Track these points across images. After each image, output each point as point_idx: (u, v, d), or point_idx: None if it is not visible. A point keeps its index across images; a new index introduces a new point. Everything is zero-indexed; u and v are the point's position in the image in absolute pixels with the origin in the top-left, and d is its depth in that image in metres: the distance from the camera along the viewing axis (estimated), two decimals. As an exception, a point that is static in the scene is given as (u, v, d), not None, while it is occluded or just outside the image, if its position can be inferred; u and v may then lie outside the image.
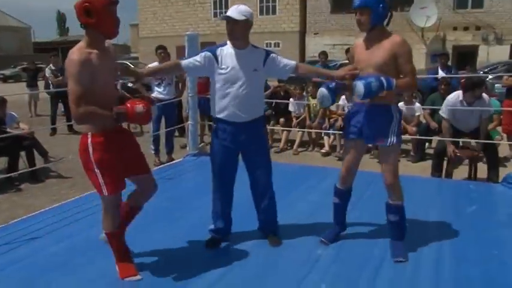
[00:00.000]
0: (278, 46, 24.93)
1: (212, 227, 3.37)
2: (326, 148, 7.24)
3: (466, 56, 19.53)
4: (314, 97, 7.65)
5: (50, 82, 9.90)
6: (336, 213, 3.37)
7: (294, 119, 7.92)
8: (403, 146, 7.14)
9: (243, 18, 2.99)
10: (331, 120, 7.43)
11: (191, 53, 5.41)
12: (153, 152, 6.66)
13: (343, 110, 7.25)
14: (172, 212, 4.05)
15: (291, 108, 7.93)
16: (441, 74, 8.15)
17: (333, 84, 3.07)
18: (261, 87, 3.25)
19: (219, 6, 26.59)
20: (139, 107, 2.49)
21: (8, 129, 6.13)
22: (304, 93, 8.10)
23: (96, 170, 2.60)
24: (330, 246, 3.28)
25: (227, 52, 3.06)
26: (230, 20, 3.00)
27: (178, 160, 5.95)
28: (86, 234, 3.56)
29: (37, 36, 44.31)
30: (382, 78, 2.77)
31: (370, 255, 3.12)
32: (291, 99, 7.89)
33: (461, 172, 5.71)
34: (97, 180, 2.62)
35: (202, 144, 6.79)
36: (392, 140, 2.97)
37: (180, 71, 3.44)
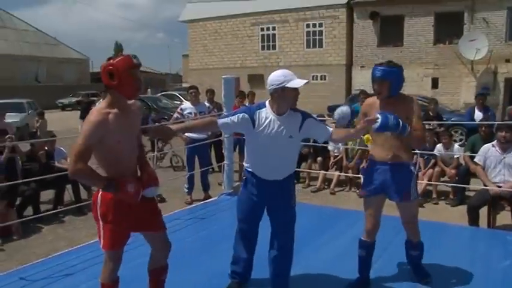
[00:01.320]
0: (324, 79, 25.01)
1: (231, 270, 3.46)
2: (363, 188, 7.19)
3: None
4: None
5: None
6: (361, 266, 3.43)
7: (331, 158, 7.94)
8: (443, 188, 7.00)
9: (270, 89, 3.00)
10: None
11: (227, 95, 5.63)
12: (186, 190, 6.84)
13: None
14: (197, 254, 4.16)
15: (329, 147, 7.96)
16: (478, 114, 7.97)
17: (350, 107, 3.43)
18: (295, 151, 3.23)
19: (266, 39, 27.13)
20: (131, 185, 2.57)
21: (57, 164, 6.53)
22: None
23: (100, 222, 2.70)
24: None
25: (265, 116, 3.03)
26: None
27: (214, 199, 6.09)
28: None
29: (94, 66, 46.54)
30: (400, 119, 2.93)
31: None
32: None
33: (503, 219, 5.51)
34: (99, 232, 2.72)
35: (238, 183, 6.89)
36: (415, 195, 3.27)
37: (215, 129, 3.62)
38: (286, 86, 2.92)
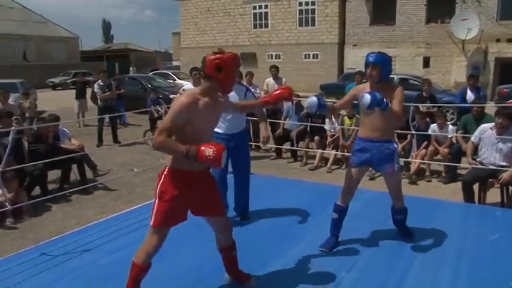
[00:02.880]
0: (317, 57, 25.11)
1: None
2: (358, 167, 7.44)
3: (510, 69, 19.12)
4: (349, 117, 7.89)
5: (98, 97, 10.55)
6: (334, 227, 3.96)
7: (328, 137, 8.16)
8: (436, 167, 7.27)
9: None
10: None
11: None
12: None
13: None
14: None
15: (326, 126, 8.18)
16: (470, 95, 8.19)
17: (323, 102, 3.83)
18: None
19: (258, 18, 27.05)
20: (209, 150, 2.60)
21: (62, 145, 6.67)
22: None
23: (156, 199, 2.85)
24: (352, 269, 3.53)
25: None
26: None
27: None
28: (134, 248, 3.95)
29: (84, 44, 46.00)
30: (384, 98, 3.41)
31: (388, 276, 3.35)
32: (326, 120, 8.13)
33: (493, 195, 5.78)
34: (153, 208, 2.86)
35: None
36: (398, 167, 3.77)
37: None
38: None
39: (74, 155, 6.54)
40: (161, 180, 2.83)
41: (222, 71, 2.78)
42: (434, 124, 7.22)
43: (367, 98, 3.34)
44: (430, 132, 7.11)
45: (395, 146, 3.76)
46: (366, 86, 3.78)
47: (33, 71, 31.84)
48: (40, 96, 19.29)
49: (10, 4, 38.02)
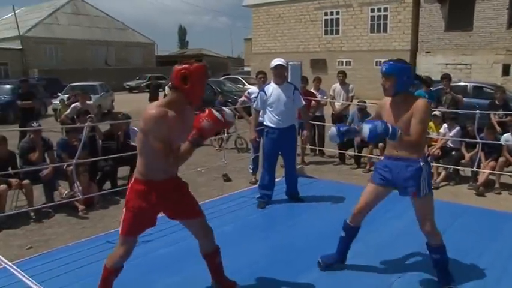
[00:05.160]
0: (387, 64, 24.56)
1: (260, 194, 5.41)
2: (423, 175, 7.21)
3: None
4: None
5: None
6: (341, 246, 3.61)
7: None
8: (507, 180, 6.89)
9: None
10: (430, 148, 7.38)
11: (293, 80, 5.88)
12: (251, 171, 7.18)
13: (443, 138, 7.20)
14: (260, 230, 4.48)
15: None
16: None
17: (345, 127, 3.42)
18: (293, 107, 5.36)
19: (329, 24, 26.93)
20: (206, 121, 2.63)
21: (132, 143, 7.06)
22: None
23: (124, 208, 2.87)
24: (406, 274, 3.47)
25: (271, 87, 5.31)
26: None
27: (277, 180, 6.37)
28: (189, 241, 4.13)
29: (160, 49, 48.04)
30: (389, 125, 2.98)
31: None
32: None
33: None
34: (121, 217, 2.88)
35: (301, 165, 7.12)
36: (425, 191, 3.15)
37: (259, 115, 5.55)
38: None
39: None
40: (128, 190, 2.87)
41: (187, 82, 2.67)
42: (508, 134, 6.86)
43: (366, 130, 2.96)
44: (502, 141, 6.76)
45: (422, 164, 3.16)
46: (388, 100, 3.30)
47: (112, 74, 33.87)
48: (117, 98, 20.46)
49: (96, 13, 40.76)
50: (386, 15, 24.62)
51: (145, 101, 14.48)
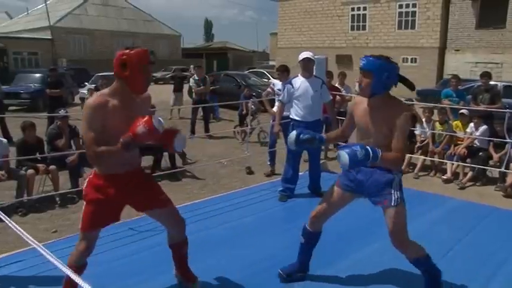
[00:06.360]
0: (415, 62, 24.15)
1: (283, 187, 5.37)
2: (448, 175, 7.10)
3: None
4: (441, 123, 7.56)
5: (193, 91, 11.11)
6: (301, 252, 3.32)
7: (418, 143, 7.88)
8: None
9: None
10: (456, 147, 7.26)
11: (318, 75, 5.84)
12: (268, 163, 7.21)
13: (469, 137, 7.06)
14: (283, 223, 4.47)
15: (416, 131, 7.90)
16: None
17: (307, 135, 3.03)
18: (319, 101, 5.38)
19: (356, 19, 26.63)
20: (140, 127, 2.46)
21: (156, 133, 7.14)
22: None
23: (84, 202, 2.75)
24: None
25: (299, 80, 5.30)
26: None
27: (301, 173, 6.34)
28: (209, 232, 4.18)
29: (185, 42, 48.33)
30: (368, 148, 2.57)
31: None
32: (417, 125, 7.86)
33: None
34: (81, 212, 2.75)
35: (324, 161, 7.08)
36: (396, 197, 2.82)
37: (284, 109, 5.59)
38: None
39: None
40: (86, 184, 2.76)
41: (126, 69, 2.53)
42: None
43: (345, 159, 2.52)
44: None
45: (394, 172, 2.85)
46: (364, 100, 2.88)
47: (138, 65, 34.13)
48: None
49: (123, 4, 41.22)
50: (415, 12, 24.17)
51: (169, 92, 14.61)
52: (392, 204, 2.81)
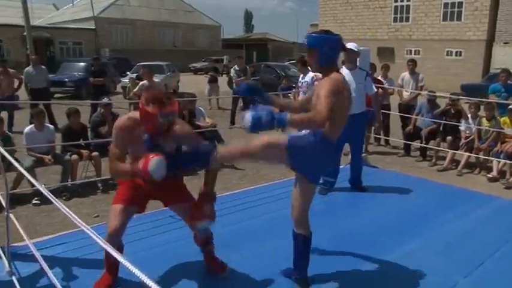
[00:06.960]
0: (460, 55, 23.38)
1: (324, 180, 5.12)
2: (494, 173, 6.82)
3: None
4: (488, 119, 7.27)
5: (233, 81, 11.14)
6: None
7: (462, 139, 7.61)
8: None
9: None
10: (504, 144, 6.96)
11: (363, 66, 5.74)
12: None
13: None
14: (324, 216, 4.42)
15: (461, 127, 7.62)
16: None
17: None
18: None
19: (399, 11, 25.97)
20: (140, 163, 2.54)
21: (197, 122, 7.19)
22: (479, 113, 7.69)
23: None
24: (471, 274, 3.30)
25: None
26: None
27: (341, 166, 6.25)
28: (248, 223, 4.18)
29: (225, 32, 48.49)
30: (275, 114, 2.50)
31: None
32: (462, 120, 7.58)
33: None
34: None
35: (364, 154, 6.94)
36: (310, 174, 2.86)
37: None
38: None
39: (206, 130, 7.01)
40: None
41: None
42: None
43: (247, 121, 2.49)
44: None
45: (312, 138, 2.77)
46: (320, 76, 2.99)
47: (178, 55, 34.64)
48: (182, 79, 20.93)
49: (165, -6, 41.73)
50: (462, 3, 23.36)
51: (206, 83, 14.76)
52: (302, 171, 2.88)
